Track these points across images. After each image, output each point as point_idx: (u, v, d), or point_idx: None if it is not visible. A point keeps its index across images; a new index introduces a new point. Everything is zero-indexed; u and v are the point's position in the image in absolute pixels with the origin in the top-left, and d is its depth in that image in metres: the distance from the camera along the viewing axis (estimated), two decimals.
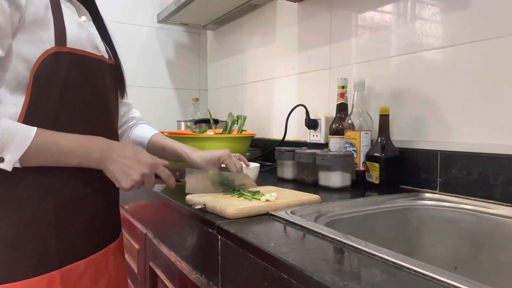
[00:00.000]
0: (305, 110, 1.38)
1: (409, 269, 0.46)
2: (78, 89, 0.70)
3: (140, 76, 2.09)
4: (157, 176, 0.77)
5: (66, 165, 0.66)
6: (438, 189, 0.96)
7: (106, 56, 0.79)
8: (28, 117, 0.64)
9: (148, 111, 2.08)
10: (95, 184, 0.73)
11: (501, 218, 0.77)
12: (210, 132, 1.38)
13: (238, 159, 0.96)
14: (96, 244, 0.75)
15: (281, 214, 0.71)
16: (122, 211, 1.30)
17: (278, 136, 1.61)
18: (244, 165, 0.97)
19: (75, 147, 0.66)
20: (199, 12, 1.85)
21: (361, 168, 1.06)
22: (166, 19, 1.96)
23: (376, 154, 1.02)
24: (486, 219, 0.79)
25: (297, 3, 1.50)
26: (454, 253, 0.82)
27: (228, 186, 0.88)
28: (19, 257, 0.64)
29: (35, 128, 0.62)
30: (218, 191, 0.88)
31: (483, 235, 0.78)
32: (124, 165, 0.70)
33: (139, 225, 1.14)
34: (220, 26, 2.11)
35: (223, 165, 0.93)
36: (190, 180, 0.86)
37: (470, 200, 0.86)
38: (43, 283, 0.65)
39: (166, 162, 0.79)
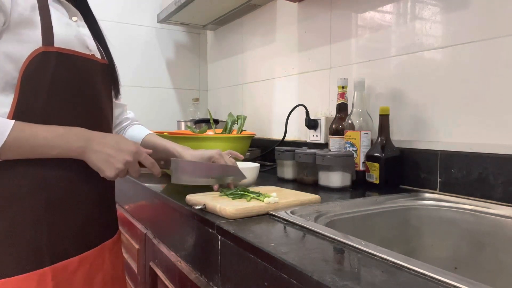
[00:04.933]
0: (305, 110, 1.38)
1: (409, 269, 0.46)
2: (67, 88, 0.70)
3: (140, 76, 2.09)
4: (142, 165, 0.77)
5: (46, 156, 0.66)
6: (438, 189, 0.96)
7: (98, 55, 0.79)
8: (17, 117, 0.64)
9: (148, 111, 2.09)
10: (90, 180, 0.73)
11: (501, 218, 0.77)
12: (210, 132, 1.38)
13: (230, 157, 0.96)
14: (90, 241, 0.75)
15: (281, 214, 0.71)
16: (122, 211, 1.31)
17: (278, 136, 1.60)
18: (237, 160, 0.97)
19: (54, 138, 0.66)
20: (199, 12, 1.85)
21: (361, 168, 1.06)
22: (166, 19, 1.96)
23: (376, 154, 1.02)
24: (486, 219, 0.79)
25: (297, 3, 1.50)
26: (454, 253, 0.82)
27: (216, 177, 0.88)
28: (10, 253, 0.64)
29: (12, 121, 0.62)
30: (204, 182, 0.87)
31: (483, 235, 0.78)
32: (106, 154, 0.70)
33: (139, 225, 1.14)
34: (220, 26, 2.11)
35: None
36: (176, 170, 0.84)
37: (470, 200, 0.86)
38: (34, 279, 0.65)
39: (150, 151, 0.79)
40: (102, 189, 0.78)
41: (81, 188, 0.73)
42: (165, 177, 0.84)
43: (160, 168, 0.80)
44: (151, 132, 0.99)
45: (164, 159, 0.83)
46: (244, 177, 0.91)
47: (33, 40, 0.65)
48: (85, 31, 0.77)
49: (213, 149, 0.94)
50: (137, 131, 0.98)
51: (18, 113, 0.64)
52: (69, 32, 0.71)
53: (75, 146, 0.68)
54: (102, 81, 0.79)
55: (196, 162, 0.88)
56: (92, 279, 0.74)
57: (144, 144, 0.96)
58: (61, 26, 0.70)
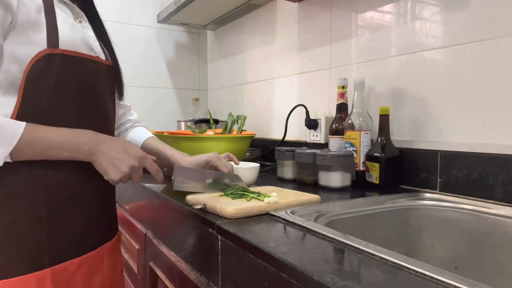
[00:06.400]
0: (305, 110, 1.38)
1: (409, 269, 0.46)
2: (71, 90, 0.70)
3: (140, 76, 2.09)
4: (145, 171, 0.77)
5: (56, 158, 0.67)
6: (438, 189, 0.96)
7: (103, 57, 0.79)
8: (20, 118, 0.64)
9: (148, 111, 2.09)
10: (90, 182, 0.73)
11: (501, 218, 0.77)
12: (210, 132, 1.38)
13: (227, 160, 0.96)
14: (90, 243, 0.75)
15: (281, 214, 0.71)
16: (122, 211, 1.31)
17: (278, 136, 1.60)
18: (234, 164, 0.97)
19: (64, 140, 0.66)
20: (199, 12, 1.85)
21: (361, 168, 1.06)
22: (166, 19, 1.96)
23: (376, 154, 1.02)
24: (486, 219, 0.79)
25: (297, 3, 1.50)
26: (454, 253, 0.82)
27: (218, 184, 0.88)
28: (10, 254, 0.64)
29: (24, 123, 0.62)
30: (207, 189, 0.88)
31: (483, 235, 0.78)
32: (113, 157, 0.70)
33: (139, 225, 1.14)
34: (220, 26, 2.11)
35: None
36: (178, 177, 0.86)
37: (470, 200, 0.86)
38: (34, 280, 0.65)
39: (155, 158, 0.80)
40: (102, 190, 0.78)
41: (82, 190, 0.73)
42: (166, 178, 0.85)
43: (164, 175, 0.81)
44: (152, 135, 0.99)
45: (168, 166, 0.85)
46: (244, 184, 0.92)
47: (38, 42, 0.65)
48: (90, 33, 0.77)
49: (210, 153, 0.94)
50: (138, 134, 0.98)
51: (21, 114, 0.64)
52: (74, 34, 0.71)
53: (84, 148, 0.68)
54: (106, 83, 0.79)
55: (199, 170, 0.89)
56: (91, 281, 0.74)
57: (144, 148, 0.95)
58: (67, 28, 0.69)
